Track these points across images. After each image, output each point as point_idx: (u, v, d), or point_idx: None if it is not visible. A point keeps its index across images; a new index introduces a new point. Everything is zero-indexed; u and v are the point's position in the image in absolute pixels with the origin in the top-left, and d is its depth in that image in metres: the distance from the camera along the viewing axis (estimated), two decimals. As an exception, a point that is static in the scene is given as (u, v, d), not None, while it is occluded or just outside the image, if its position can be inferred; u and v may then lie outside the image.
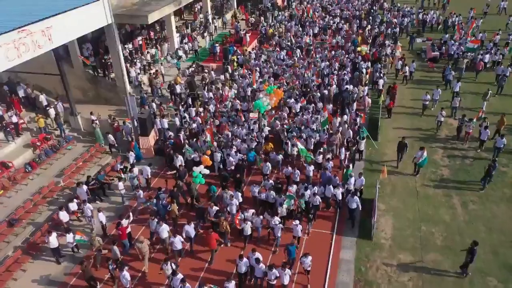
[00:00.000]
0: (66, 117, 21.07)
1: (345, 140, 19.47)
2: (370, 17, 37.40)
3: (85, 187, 16.25)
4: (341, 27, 34.80)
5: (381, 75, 25.26)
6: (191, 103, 22.67)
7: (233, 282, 12.21)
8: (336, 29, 34.73)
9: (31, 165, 18.09)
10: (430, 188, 17.62)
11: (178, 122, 21.05)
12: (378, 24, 35.25)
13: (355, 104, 22.44)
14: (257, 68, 26.60)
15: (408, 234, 15.27)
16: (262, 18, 37.67)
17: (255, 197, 16.13)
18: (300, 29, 34.95)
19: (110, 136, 19.44)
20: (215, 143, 18.93)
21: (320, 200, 15.68)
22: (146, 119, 19.62)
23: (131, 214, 15.18)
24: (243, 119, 21.03)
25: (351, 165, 17.37)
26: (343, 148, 18.61)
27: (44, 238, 14.56)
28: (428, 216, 16.06)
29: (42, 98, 20.72)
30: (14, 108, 19.92)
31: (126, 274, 12.62)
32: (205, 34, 33.03)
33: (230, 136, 19.56)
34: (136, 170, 17.41)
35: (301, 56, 29.02)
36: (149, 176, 17.65)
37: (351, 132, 19.60)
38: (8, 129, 18.85)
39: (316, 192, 15.69)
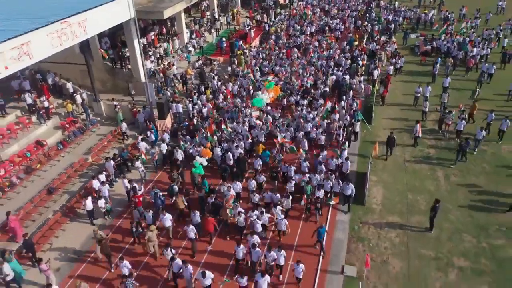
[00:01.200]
0: (90, 103, 23.25)
1: (343, 123, 21.68)
2: (367, 15, 39.62)
3: (112, 162, 18.49)
4: (338, 27, 36.36)
5: (376, 66, 27.45)
6: (203, 91, 24.87)
7: (246, 277, 12.80)
8: (334, 29, 36.17)
9: (63, 143, 20.32)
10: (417, 164, 19.82)
11: (191, 108, 23.24)
12: (373, 21, 37.42)
13: (351, 92, 24.61)
14: (257, 68, 28.00)
15: (396, 201, 17.48)
16: (265, 15, 39.82)
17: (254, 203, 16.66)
18: (298, 28, 36.78)
19: (124, 124, 21.49)
20: (215, 137, 20.06)
21: (323, 193, 16.58)
22: (164, 104, 21.84)
23: (142, 186, 17.31)
24: (241, 116, 22.03)
25: (347, 143, 19.61)
26: (341, 130, 20.80)
27: (80, 205, 16.80)
28: (414, 187, 18.27)
29: (69, 85, 22.93)
30: (44, 94, 22.10)
31: (126, 263, 13.47)
32: (212, 30, 35.22)
33: (231, 132, 20.76)
34: (156, 148, 19.66)
35: (298, 55, 30.33)
36: (166, 152, 19.79)
37: (348, 116, 21.83)
38: (41, 112, 21.05)
39: (320, 183, 16.75)
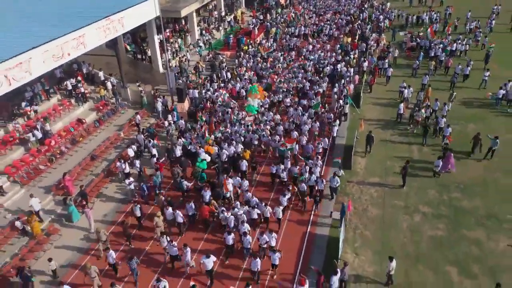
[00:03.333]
0: (118, 89, 27.05)
1: (335, 106, 25.53)
2: (360, 14, 43.42)
3: (142, 136, 22.33)
4: (332, 33, 38.98)
5: (365, 59, 31.28)
6: (215, 79, 28.73)
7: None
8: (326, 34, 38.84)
9: (99, 122, 24.15)
10: (396, 140, 23.57)
11: (204, 93, 27.07)
12: (365, 21, 41.26)
13: (343, 80, 28.41)
14: (253, 71, 30.42)
15: (377, 166, 21.29)
16: (268, 15, 43.65)
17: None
18: (292, 30, 39.50)
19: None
20: (212, 136, 22.04)
21: (324, 185, 18.48)
22: (182, 90, 25.69)
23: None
24: (233, 117, 23.97)
25: (337, 121, 23.43)
26: (331, 113, 24.54)
27: (117, 169, 20.59)
28: (392, 157, 22.03)
29: (101, 74, 26.75)
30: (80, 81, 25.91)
31: (112, 252, 14.89)
32: (220, 28, 39.04)
33: (229, 132, 22.62)
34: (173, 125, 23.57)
35: (292, 58, 33.28)
36: (184, 128, 23.60)
37: (341, 101, 25.66)
38: (79, 96, 24.88)
39: (319, 175, 18.76)
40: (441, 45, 33.69)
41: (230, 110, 24.63)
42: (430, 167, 20.72)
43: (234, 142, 21.12)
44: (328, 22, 41.87)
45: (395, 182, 20.09)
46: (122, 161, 19.93)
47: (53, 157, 20.90)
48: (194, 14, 35.01)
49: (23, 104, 22.44)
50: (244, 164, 19.80)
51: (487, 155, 21.26)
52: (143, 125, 24.63)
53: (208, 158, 20.23)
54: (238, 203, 17.36)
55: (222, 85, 28.42)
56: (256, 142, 21.83)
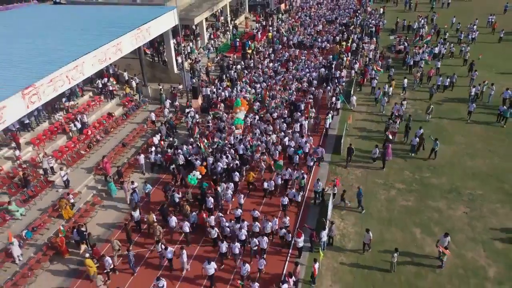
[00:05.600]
0: (140, 88, 31.10)
1: (329, 102, 29.55)
2: (354, 19, 47.40)
3: (164, 127, 26.39)
4: (324, 46, 40.18)
5: (356, 61, 35.31)
6: (224, 78, 32.80)
7: (256, 284, 15.29)
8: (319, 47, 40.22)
9: (126, 115, 28.22)
10: (381, 130, 27.62)
11: (215, 92, 31.10)
12: (359, 25, 45.25)
13: (336, 79, 32.43)
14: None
15: (362, 152, 25.19)
16: (271, 20, 47.64)
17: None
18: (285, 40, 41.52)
19: (168, 102, 29.40)
20: (207, 147, 23.60)
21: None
22: (197, 88, 29.75)
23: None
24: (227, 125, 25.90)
25: (330, 114, 27.45)
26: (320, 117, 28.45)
27: (148, 154, 24.57)
28: (376, 145, 26.04)
29: (125, 74, 30.84)
30: (108, 80, 29.97)
31: (108, 258, 16.68)
32: (228, 32, 43.07)
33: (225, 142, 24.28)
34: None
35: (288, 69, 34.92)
36: (197, 119, 27.59)
37: (333, 98, 29.68)
38: (108, 93, 28.94)
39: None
40: (426, 53, 36.95)
41: (224, 123, 26.40)
42: (407, 155, 24.83)
43: (227, 154, 22.74)
44: (321, 36, 42.74)
45: (377, 164, 24.10)
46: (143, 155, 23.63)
47: (90, 144, 24.95)
48: (204, 20, 39.04)
49: (63, 99, 26.51)
50: (236, 175, 21.20)
51: (431, 155, 24.18)
52: (161, 119, 28.72)
53: (199, 176, 21.75)
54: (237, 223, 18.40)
55: (230, 84, 32.40)
56: (240, 152, 23.20)
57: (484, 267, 17.22)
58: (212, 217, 18.85)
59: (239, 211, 19.38)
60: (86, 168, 23.42)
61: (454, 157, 24.46)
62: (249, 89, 30.74)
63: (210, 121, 27.10)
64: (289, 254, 18.12)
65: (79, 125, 25.30)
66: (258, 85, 31.44)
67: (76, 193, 21.40)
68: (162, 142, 25.07)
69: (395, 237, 18.98)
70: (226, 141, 24.65)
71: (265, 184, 21.04)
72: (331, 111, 28.27)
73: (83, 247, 18.34)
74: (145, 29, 24.46)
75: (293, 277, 15.92)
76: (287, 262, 17.71)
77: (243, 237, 17.54)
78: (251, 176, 21.58)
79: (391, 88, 30.78)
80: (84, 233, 18.35)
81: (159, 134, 25.97)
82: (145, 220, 19.37)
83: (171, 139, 25.50)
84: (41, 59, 19.94)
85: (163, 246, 17.31)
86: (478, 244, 18.35)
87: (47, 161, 21.92)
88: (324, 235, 17.90)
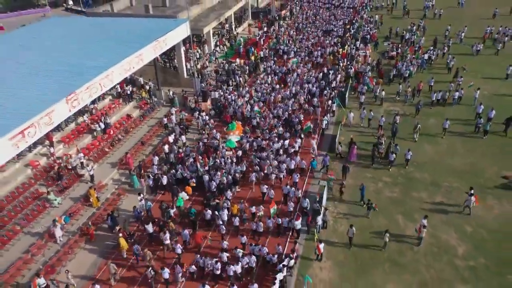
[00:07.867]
0: (154, 92, 34.19)
1: (325, 105, 32.66)
2: (349, 26, 50.45)
3: (178, 128, 29.50)
4: (318, 61, 41.21)
5: (351, 67, 38.43)
6: (230, 83, 35.93)
7: (256, 285, 16.80)
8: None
9: (142, 117, 31.33)
10: (371, 131, 30.71)
11: (223, 96, 34.19)
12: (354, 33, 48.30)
13: (331, 84, 35.51)
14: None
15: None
16: (272, 26, 50.68)
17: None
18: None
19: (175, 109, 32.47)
20: (206, 168, 24.68)
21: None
22: (206, 91, 32.86)
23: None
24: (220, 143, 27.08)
25: (326, 117, 30.55)
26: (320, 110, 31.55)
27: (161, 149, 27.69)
28: (367, 143, 29.13)
29: (141, 79, 33.95)
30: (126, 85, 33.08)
31: (113, 265, 18.41)
32: (231, 39, 46.17)
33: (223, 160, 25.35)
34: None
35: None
36: (207, 120, 30.63)
37: (329, 101, 32.78)
38: (126, 96, 32.06)
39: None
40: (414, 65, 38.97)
41: (217, 141, 27.50)
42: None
43: (222, 171, 23.94)
44: (316, 49, 43.30)
45: (368, 161, 27.22)
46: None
47: (113, 143, 28.06)
48: (211, 28, 42.14)
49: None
50: (225, 214, 21.08)
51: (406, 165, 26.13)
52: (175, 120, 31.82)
53: (186, 197, 22.84)
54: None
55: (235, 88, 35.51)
56: (232, 172, 24.22)
57: (455, 247, 20.36)
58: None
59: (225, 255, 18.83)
60: (111, 163, 26.54)
61: (436, 155, 27.54)
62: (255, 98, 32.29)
63: (205, 140, 27.87)
64: (289, 236, 21.23)
65: (102, 126, 28.40)
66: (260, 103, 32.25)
67: (103, 185, 24.52)
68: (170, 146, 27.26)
69: (380, 224, 22.04)
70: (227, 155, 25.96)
71: (253, 226, 20.72)
72: (328, 114, 31.38)
73: (118, 228, 21.16)
74: (162, 40, 27.62)
75: (295, 252, 19.09)
76: (287, 242, 20.82)
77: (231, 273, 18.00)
78: (236, 208, 21.53)
79: (383, 92, 33.81)
80: (116, 217, 21.46)
81: (173, 134, 29.06)
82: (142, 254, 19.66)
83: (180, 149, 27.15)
84: (76, 70, 22.87)
85: (153, 272, 17.90)
86: (451, 227, 21.49)
87: (78, 157, 25.04)
88: (319, 219, 21.01)
